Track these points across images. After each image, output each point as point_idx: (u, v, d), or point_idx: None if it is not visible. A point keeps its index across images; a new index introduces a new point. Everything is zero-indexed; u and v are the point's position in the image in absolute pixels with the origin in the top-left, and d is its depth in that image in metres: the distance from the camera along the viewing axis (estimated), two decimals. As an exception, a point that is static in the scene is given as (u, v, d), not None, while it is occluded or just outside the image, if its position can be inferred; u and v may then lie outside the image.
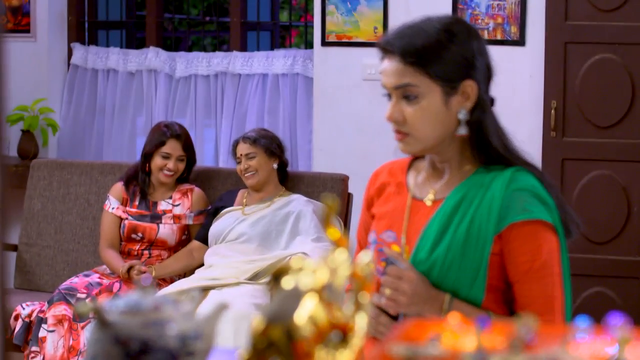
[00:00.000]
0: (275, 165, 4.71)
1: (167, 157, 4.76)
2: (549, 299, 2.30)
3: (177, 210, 4.80)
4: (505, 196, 2.29)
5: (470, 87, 2.28)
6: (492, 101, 2.35)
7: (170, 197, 4.82)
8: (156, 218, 4.77)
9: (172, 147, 4.76)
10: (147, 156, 4.78)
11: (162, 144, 4.76)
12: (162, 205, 4.80)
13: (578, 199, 5.05)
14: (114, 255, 4.74)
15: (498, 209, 2.29)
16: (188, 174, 4.89)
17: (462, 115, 2.29)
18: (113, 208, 4.81)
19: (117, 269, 4.67)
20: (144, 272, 4.62)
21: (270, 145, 4.70)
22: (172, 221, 4.77)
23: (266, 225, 4.58)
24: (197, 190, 4.87)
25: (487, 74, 2.34)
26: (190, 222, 4.81)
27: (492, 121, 2.33)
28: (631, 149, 5.01)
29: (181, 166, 4.80)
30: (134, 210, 4.79)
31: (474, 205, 2.32)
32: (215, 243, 4.64)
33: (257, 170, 4.64)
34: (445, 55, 2.27)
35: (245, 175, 4.66)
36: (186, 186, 4.87)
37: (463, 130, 2.31)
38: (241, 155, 4.67)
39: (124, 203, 4.81)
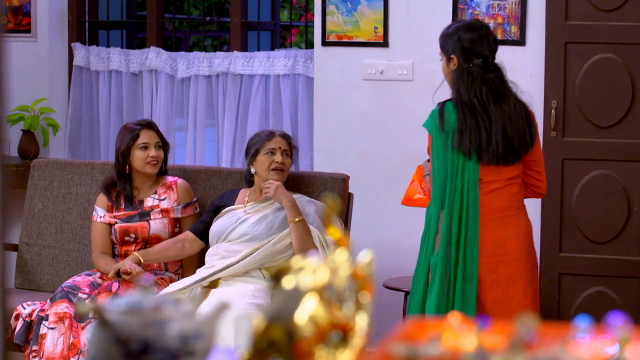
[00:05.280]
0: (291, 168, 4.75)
1: (145, 146, 4.75)
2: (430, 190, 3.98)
3: (164, 204, 4.79)
4: None
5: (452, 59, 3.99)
6: (472, 67, 3.93)
7: (155, 192, 4.81)
8: (145, 215, 4.76)
9: (147, 135, 4.76)
10: (124, 155, 4.76)
11: (137, 136, 4.75)
12: (149, 202, 4.79)
13: (578, 198, 5.05)
14: (107, 261, 4.73)
15: None
16: (165, 166, 4.87)
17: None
18: (100, 217, 4.80)
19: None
20: (130, 273, 4.56)
21: (295, 151, 4.78)
22: (160, 215, 4.76)
23: (268, 226, 4.57)
24: (181, 181, 4.86)
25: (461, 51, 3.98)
26: (179, 215, 4.80)
27: (454, 77, 3.96)
28: (631, 148, 5.01)
29: (161, 154, 4.79)
30: (121, 213, 4.78)
31: None
32: (216, 242, 4.64)
33: (285, 170, 4.64)
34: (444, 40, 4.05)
35: (276, 169, 4.62)
36: (169, 179, 4.86)
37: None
38: (279, 148, 4.65)
39: (109, 210, 4.80)
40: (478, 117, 3.86)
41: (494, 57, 3.97)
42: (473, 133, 3.85)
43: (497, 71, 3.96)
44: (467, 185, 3.87)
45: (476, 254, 3.85)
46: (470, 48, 3.94)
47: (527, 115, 3.96)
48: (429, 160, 4.06)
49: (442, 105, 3.95)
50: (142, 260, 4.64)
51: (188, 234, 4.76)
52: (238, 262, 4.47)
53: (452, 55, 3.97)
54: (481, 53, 3.94)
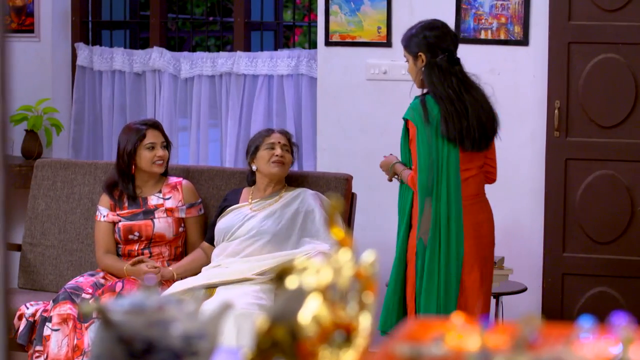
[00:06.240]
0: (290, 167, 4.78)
1: (152, 146, 4.75)
2: (413, 178, 4.12)
3: (169, 204, 4.79)
4: None
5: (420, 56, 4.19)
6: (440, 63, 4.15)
7: (160, 191, 4.82)
8: (149, 213, 4.76)
9: (153, 135, 4.77)
10: (130, 155, 4.75)
11: (143, 136, 4.75)
12: (153, 200, 4.79)
13: (582, 198, 5.05)
14: (113, 259, 4.74)
15: None
16: (167, 166, 4.87)
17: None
18: (104, 216, 4.80)
19: (119, 270, 4.66)
20: (156, 267, 4.62)
21: (295, 148, 4.82)
22: (165, 215, 4.76)
23: (276, 222, 4.58)
24: (186, 182, 4.87)
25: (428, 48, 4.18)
26: (183, 215, 4.80)
27: (426, 73, 4.16)
28: (634, 148, 5.01)
29: (167, 153, 4.80)
30: (125, 211, 4.78)
31: None
32: (222, 240, 4.64)
33: (285, 163, 4.68)
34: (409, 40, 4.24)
35: (276, 162, 4.65)
36: (174, 180, 4.86)
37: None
38: (278, 142, 4.69)
39: (112, 209, 4.80)
40: (456, 106, 4.10)
41: (456, 52, 4.21)
42: (456, 121, 4.08)
43: (459, 64, 4.21)
44: (452, 172, 4.10)
45: (462, 237, 4.11)
46: (437, 44, 4.17)
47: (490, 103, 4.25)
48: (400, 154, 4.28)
49: (422, 98, 4.15)
50: (176, 275, 4.65)
51: (203, 244, 4.78)
52: (252, 275, 4.46)
53: (420, 53, 4.18)
54: (446, 48, 4.17)
